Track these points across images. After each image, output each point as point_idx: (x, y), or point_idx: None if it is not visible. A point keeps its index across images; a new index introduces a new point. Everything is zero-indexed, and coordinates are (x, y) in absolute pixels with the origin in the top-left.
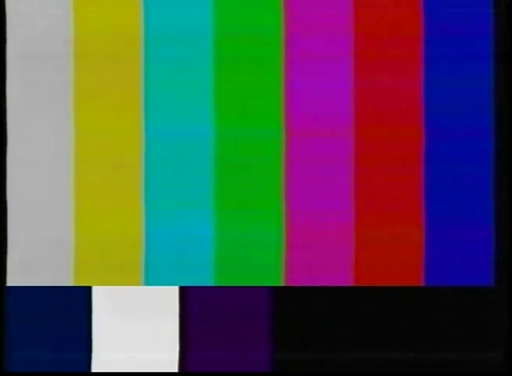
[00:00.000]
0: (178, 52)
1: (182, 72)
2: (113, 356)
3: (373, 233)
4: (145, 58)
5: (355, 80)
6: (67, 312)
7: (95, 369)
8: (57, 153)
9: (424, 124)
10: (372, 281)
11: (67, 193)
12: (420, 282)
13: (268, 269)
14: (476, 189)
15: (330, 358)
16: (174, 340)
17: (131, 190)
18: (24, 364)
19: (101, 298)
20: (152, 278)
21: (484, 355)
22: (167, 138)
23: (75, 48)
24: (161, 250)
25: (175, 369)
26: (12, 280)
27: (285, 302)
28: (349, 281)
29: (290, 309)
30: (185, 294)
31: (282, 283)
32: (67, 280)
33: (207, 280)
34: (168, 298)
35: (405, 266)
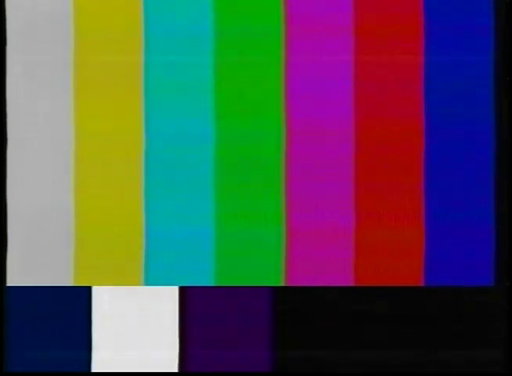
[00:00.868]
0: (178, 52)
1: (182, 72)
2: (113, 355)
3: (373, 233)
4: (145, 58)
5: (356, 80)
6: (67, 312)
7: (95, 369)
8: (57, 153)
9: (424, 125)
10: (372, 281)
11: (67, 193)
12: (420, 282)
13: (268, 269)
14: (476, 189)
15: (330, 358)
16: (174, 340)
17: (131, 190)
18: (24, 364)
19: (101, 298)
20: (152, 278)
21: (484, 355)
22: (167, 138)
23: (75, 50)
24: (161, 250)
25: (175, 369)
26: (12, 280)
27: (285, 302)
28: (349, 281)
29: (290, 309)
30: (185, 294)
31: (282, 283)
32: (67, 280)
33: (207, 280)
34: (168, 298)
35: (405, 266)
